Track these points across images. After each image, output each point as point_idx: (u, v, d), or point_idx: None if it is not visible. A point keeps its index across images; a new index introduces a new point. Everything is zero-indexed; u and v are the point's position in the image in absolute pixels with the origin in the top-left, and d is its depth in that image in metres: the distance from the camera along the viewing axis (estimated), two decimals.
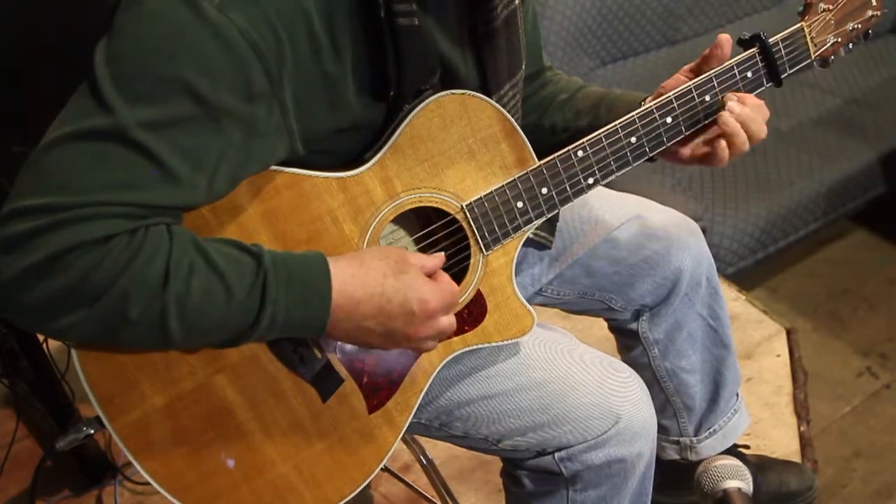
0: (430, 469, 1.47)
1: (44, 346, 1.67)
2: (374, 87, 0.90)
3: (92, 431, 0.97)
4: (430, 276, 0.92)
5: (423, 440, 1.46)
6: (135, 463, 0.88)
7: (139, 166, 0.74)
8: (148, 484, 1.63)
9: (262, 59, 0.78)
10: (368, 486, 1.71)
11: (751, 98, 1.07)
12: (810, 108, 2.60)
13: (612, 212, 1.30)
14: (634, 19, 2.41)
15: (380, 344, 0.91)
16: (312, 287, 0.83)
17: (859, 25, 1.16)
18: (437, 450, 1.61)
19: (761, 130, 1.07)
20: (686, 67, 1.12)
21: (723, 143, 1.06)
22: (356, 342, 0.92)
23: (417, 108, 0.94)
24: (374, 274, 0.87)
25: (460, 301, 1.01)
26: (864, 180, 2.36)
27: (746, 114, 1.05)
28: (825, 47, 1.14)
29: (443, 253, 0.97)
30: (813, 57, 1.14)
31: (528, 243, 1.07)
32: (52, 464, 1.80)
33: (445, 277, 0.94)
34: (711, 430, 1.46)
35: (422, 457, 1.46)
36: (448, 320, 0.94)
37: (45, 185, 0.72)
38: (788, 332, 2.07)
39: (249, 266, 0.80)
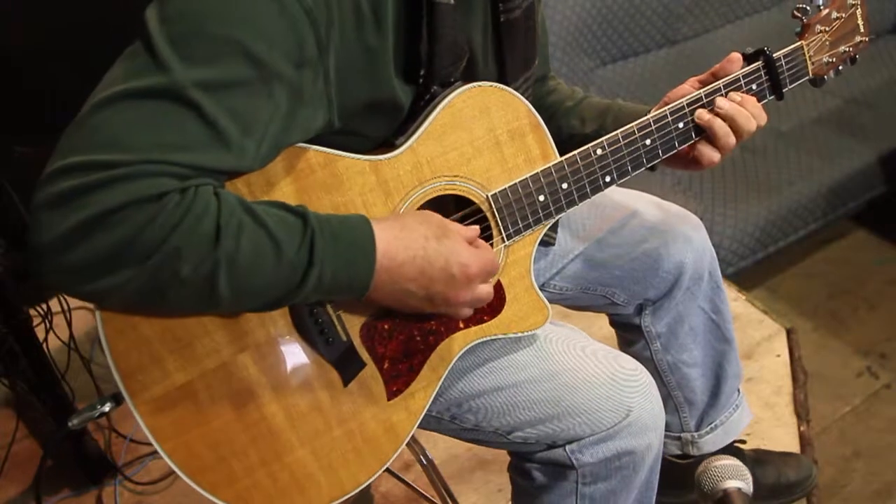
0: (430, 469, 1.47)
1: (44, 346, 1.67)
2: (407, 67, 0.91)
3: (107, 409, 0.96)
4: (469, 243, 0.93)
5: (423, 440, 1.46)
6: (153, 442, 0.87)
7: (193, 127, 0.74)
8: (148, 484, 1.63)
9: (315, 26, 0.78)
10: (368, 485, 1.71)
11: (748, 100, 1.10)
12: (810, 108, 2.60)
13: (615, 207, 1.31)
14: (634, 19, 2.41)
15: (418, 306, 0.91)
16: (357, 247, 0.83)
17: (850, 49, 1.23)
18: (437, 450, 1.61)
19: (749, 125, 1.09)
20: (694, 78, 1.14)
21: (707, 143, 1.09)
22: (396, 304, 0.91)
23: (450, 97, 0.95)
24: (416, 237, 0.87)
25: None
26: (864, 180, 2.36)
27: (732, 109, 1.08)
28: (820, 66, 1.21)
29: (477, 226, 0.97)
30: (810, 74, 1.20)
31: None
32: (52, 463, 1.81)
33: (483, 245, 0.95)
34: (713, 425, 1.46)
35: (422, 457, 1.46)
36: (486, 287, 0.94)
37: (96, 141, 0.71)
38: (788, 332, 2.07)
39: (296, 225, 0.80)
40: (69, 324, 1.78)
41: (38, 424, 1.87)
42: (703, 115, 1.08)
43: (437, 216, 0.92)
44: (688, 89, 1.12)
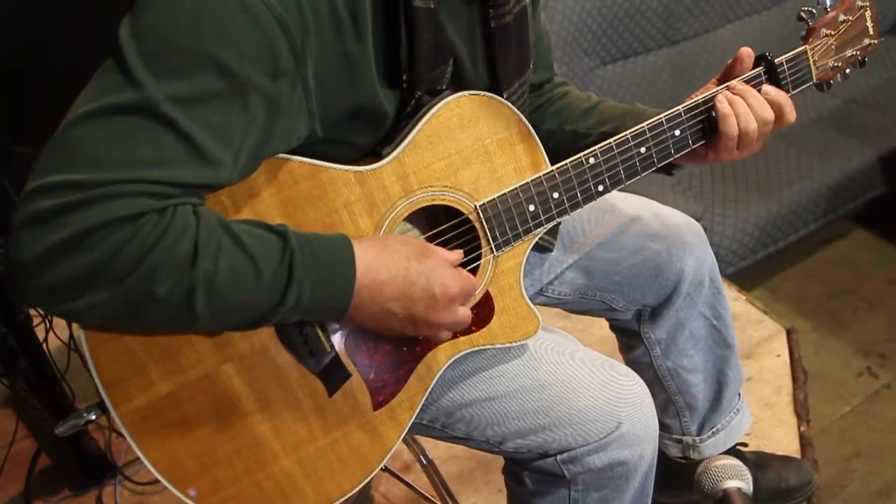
0: (430, 469, 1.47)
1: (44, 345, 1.67)
2: (389, 73, 0.90)
3: (93, 417, 0.97)
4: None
5: (423, 440, 1.46)
6: (137, 450, 0.88)
7: (168, 142, 0.74)
8: (148, 484, 1.62)
9: (289, 35, 0.77)
10: (369, 485, 1.71)
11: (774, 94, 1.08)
12: (810, 107, 2.60)
13: (614, 212, 1.30)
14: (634, 19, 2.41)
15: (399, 328, 0.91)
16: (338, 267, 0.83)
17: (858, 52, 1.20)
18: (437, 450, 1.61)
19: (764, 114, 1.05)
20: (713, 79, 1.13)
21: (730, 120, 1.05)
22: (377, 326, 0.91)
23: (437, 107, 0.95)
24: (398, 257, 0.87)
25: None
26: (864, 180, 2.36)
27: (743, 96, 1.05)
28: (826, 71, 1.18)
29: (461, 250, 0.97)
30: (814, 79, 1.17)
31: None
32: (51, 463, 1.80)
33: (463, 270, 0.94)
34: (714, 429, 1.46)
35: (422, 457, 1.46)
36: (465, 311, 0.94)
37: (74, 160, 0.72)
38: (788, 332, 2.07)
39: (276, 245, 0.80)
40: (69, 323, 1.77)
41: (38, 424, 1.87)
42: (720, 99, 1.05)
43: (417, 240, 0.91)
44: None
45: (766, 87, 1.08)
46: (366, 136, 0.94)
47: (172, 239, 0.74)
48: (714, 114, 1.07)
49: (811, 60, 1.15)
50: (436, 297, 0.89)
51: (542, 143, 1.03)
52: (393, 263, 0.87)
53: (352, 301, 0.85)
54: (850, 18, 1.17)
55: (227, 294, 0.77)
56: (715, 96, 1.07)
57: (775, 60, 1.10)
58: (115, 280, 0.73)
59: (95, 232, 0.71)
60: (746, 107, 1.05)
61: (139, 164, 0.73)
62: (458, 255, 0.95)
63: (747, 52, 1.10)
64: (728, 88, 1.07)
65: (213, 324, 0.81)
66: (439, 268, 0.90)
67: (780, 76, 1.11)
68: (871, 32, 1.20)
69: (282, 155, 0.88)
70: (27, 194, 0.72)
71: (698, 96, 1.08)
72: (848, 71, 1.21)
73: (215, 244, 0.76)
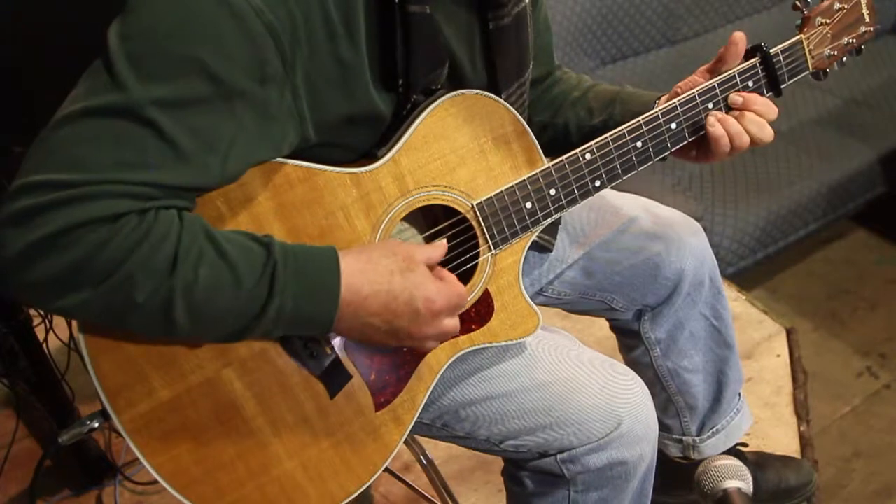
0: (430, 469, 1.47)
1: (44, 346, 1.67)
2: (384, 77, 0.90)
3: (96, 425, 0.97)
4: (433, 267, 0.92)
5: (423, 440, 1.46)
6: (140, 458, 0.88)
7: (151, 145, 0.74)
8: (148, 484, 1.62)
9: (278, 42, 0.78)
10: (369, 486, 1.71)
11: (757, 101, 1.08)
12: (810, 108, 2.60)
13: (614, 212, 1.30)
14: (634, 19, 2.41)
15: (383, 341, 0.91)
16: (321, 280, 0.83)
17: (854, 40, 1.19)
18: (437, 450, 1.61)
19: (762, 132, 1.07)
20: (702, 68, 1.12)
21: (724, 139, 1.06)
22: (360, 339, 0.91)
23: (431, 107, 0.95)
24: (382, 271, 0.87)
25: (469, 299, 1.02)
26: (864, 180, 2.36)
27: (740, 120, 1.06)
28: (822, 60, 1.17)
29: (444, 241, 0.96)
30: (810, 69, 1.17)
31: (530, 245, 1.08)
32: (51, 463, 1.80)
33: (453, 279, 0.94)
34: (714, 429, 1.46)
35: (422, 457, 1.46)
36: (452, 322, 0.93)
37: (56, 161, 0.71)
38: (788, 332, 2.07)
39: (259, 256, 0.80)
40: (69, 324, 1.77)
41: (38, 424, 1.87)
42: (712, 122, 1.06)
43: (404, 247, 0.90)
44: (698, 80, 1.10)
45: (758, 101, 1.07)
46: (362, 138, 0.94)
47: (153, 244, 0.74)
48: (705, 114, 1.07)
49: (807, 50, 1.15)
50: (419, 311, 0.88)
51: (536, 137, 1.03)
52: (377, 277, 0.86)
53: (335, 315, 0.84)
54: (846, 6, 1.17)
55: (207, 304, 0.77)
56: (706, 116, 1.07)
57: (770, 51, 1.10)
58: (94, 282, 0.73)
59: (72, 232, 0.71)
60: (739, 126, 1.06)
61: (121, 166, 0.73)
62: (441, 250, 0.94)
63: (740, 36, 1.08)
64: (727, 103, 1.07)
65: (194, 332, 0.80)
66: (424, 282, 0.89)
67: (776, 66, 1.11)
68: (867, 20, 1.20)
69: (277, 158, 0.87)
70: (10, 193, 0.72)
71: (693, 89, 1.08)
72: (844, 59, 1.21)
73: (197, 252, 0.76)
